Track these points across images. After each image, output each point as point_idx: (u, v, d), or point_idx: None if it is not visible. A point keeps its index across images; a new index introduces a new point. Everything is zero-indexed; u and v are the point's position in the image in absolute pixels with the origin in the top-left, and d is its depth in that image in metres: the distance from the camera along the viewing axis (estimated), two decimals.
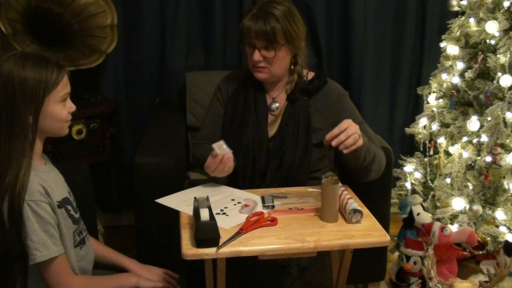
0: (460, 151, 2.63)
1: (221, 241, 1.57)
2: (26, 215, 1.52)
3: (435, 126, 2.84)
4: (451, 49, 2.80)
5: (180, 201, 1.84)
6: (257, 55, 1.98)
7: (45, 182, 1.59)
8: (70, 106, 1.65)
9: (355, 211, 1.69)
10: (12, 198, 1.51)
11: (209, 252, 1.55)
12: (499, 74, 2.49)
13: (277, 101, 2.11)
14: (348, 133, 1.73)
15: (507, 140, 2.48)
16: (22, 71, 1.53)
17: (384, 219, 2.35)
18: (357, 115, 2.11)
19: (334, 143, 1.73)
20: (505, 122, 2.45)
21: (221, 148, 1.87)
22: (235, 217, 1.72)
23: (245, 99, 2.12)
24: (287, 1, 2.04)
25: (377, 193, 2.33)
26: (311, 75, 2.13)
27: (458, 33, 2.77)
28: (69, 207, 1.68)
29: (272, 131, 2.09)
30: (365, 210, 1.77)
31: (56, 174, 1.72)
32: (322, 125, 2.05)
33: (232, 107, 2.14)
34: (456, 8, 2.87)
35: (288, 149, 2.03)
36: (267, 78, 2.05)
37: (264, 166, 2.05)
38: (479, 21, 2.61)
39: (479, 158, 2.58)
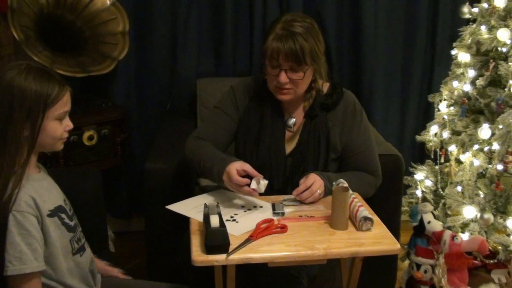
0: (471, 159, 2.61)
1: (231, 247, 1.56)
2: (9, 226, 1.47)
3: (446, 134, 2.82)
4: (462, 56, 2.79)
5: (190, 208, 1.84)
6: (283, 77, 1.90)
7: (37, 192, 1.55)
8: (67, 125, 1.61)
9: (366, 218, 1.69)
10: None
11: (219, 258, 1.54)
12: (511, 82, 2.47)
13: (294, 116, 2.05)
14: (312, 190, 1.87)
15: None
16: (23, 82, 1.50)
17: (394, 227, 2.35)
18: (368, 135, 2.08)
19: (297, 198, 1.88)
20: None
21: (259, 185, 1.83)
22: (245, 224, 1.72)
23: (261, 114, 2.05)
24: (308, 17, 1.97)
25: (387, 201, 2.33)
26: (326, 86, 2.08)
27: (470, 40, 2.76)
28: (63, 215, 1.64)
29: (289, 147, 2.05)
30: (376, 218, 1.76)
31: (50, 182, 1.69)
32: (338, 140, 2.03)
33: (247, 121, 2.07)
34: (467, 16, 2.85)
35: (309, 167, 1.98)
36: (291, 99, 1.99)
37: (282, 184, 2.02)
38: (491, 29, 2.59)
39: (490, 166, 2.56)
